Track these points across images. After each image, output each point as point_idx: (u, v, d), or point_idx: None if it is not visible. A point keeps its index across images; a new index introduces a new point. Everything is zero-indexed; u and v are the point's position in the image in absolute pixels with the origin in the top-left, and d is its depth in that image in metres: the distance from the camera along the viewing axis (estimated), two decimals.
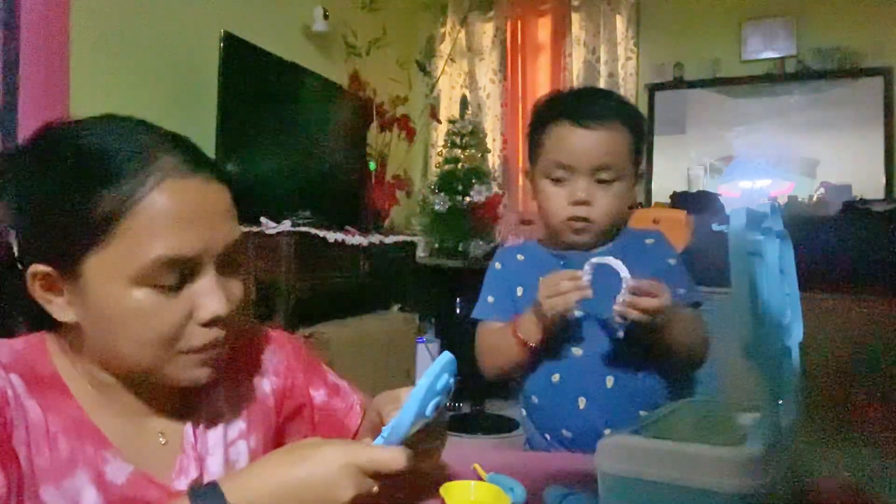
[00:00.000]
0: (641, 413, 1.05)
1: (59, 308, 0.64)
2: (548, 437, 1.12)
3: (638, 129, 1.12)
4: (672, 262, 1.14)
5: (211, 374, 0.68)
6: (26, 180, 0.64)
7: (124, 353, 0.64)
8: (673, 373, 1.11)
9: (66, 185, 0.61)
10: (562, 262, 1.14)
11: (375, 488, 0.59)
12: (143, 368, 0.65)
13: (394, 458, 0.58)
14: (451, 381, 0.63)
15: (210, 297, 0.64)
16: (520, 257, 1.21)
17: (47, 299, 0.64)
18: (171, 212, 0.61)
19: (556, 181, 1.10)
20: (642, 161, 1.16)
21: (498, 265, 1.22)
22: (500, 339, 1.12)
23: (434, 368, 0.62)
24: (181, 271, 0.63)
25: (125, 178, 0.60)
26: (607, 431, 1.01)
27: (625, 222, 1.17)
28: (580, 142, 1.08)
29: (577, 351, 1.09)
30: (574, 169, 1.08)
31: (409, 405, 0.60)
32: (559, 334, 1.08)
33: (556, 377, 1.09)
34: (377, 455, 0.58)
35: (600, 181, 1.08)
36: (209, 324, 0.64)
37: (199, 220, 0.63)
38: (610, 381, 1.07)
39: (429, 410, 0.61)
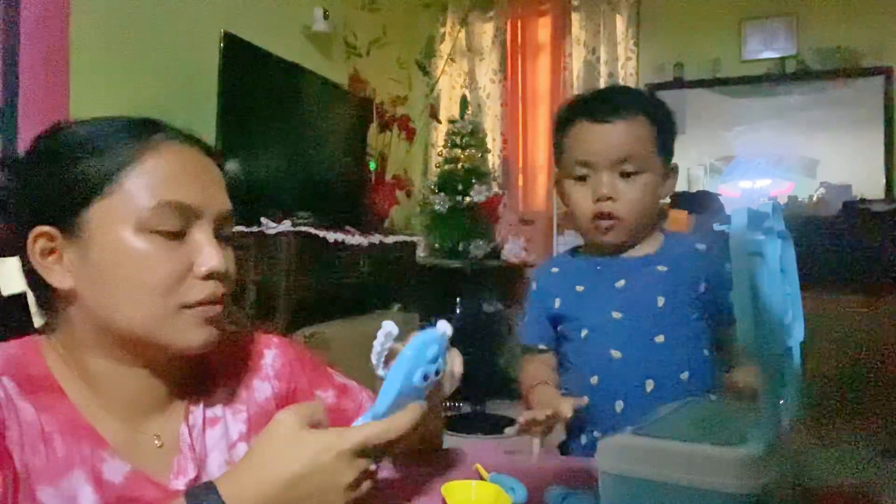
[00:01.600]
0: None
1: (57, 274, 0.66)
2: (583, 439, 1.10)
3: (662, 121, 1.10)
4: (727, 267, 1.10)
5: (209, 341, 0.68)
6: (34, 154, 0.69)
7: (123, 309, 0.64)
8: (717, 379, 1.09)
9: (69, 154, 0.66)
10: (598, 268, 1.13)
11: (373, 466, 0.60)
12: (141, 327, 0.65)
13: (381, 431, 0.59)
14: (443, 352, 0.63)
15: (209, 250, 0.67)
16: (554, 270, 1.20)
17: (45, 265, 0.66)
18: (172, 166, 0.67)
19: (580, 179, 1.09)
20: (672, 154, 1.13)
21: (534, 285, 1.21)
22: (526, 390, 1.14)
23: (420, 338, 0.62)
24: (182, 220, 0.66)
25: (131, 138, 0.66)
26: None
27: (656, 219, 1.13)
28: (598, 136, 1.07)
29: (616, 354, 1.07)
30: (595, 165, 1.07)
31: (392, 374, 0.60)
32: (598, 338, 1.08)
33: (594, 379, 1.07)
34: (364, 434, 0.59)
35: (624, 175, 1.06)
36: (208, 277, 0.66)
37: (199, 177, 0.69)
38: (650, 386, 1.05)
39: (416, 378, 0.61)
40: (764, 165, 3.70)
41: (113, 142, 0.66)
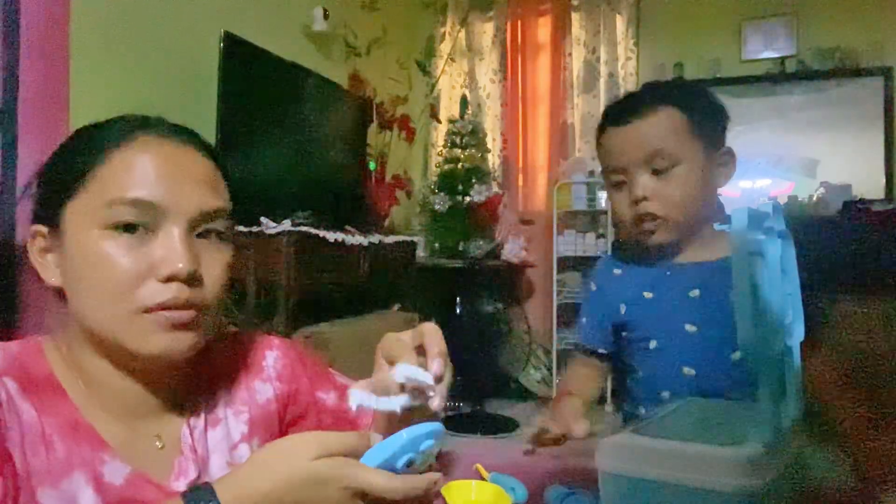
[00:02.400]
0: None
1: (49, 270, 0.67)
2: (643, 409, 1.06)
3: (694, 105, 1.04)
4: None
5: (175, 348, 0.65)
6: (46, 164, 0.70)
7: (92, 307, 0.64)
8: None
9: (62, 153, 0.68)
10: (668, 273, 1.07)
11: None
12: (104, 330, 0.64)
13: (391, 487, 0.56)
14: (434, 448, 0.61)
15: (172, 252, 0.64)
16: (617, 272, 1.15)
17: (40, 262, 0.67)
18: (140, 161, 0.65)
19: (616, 186, 1.06)
20: (722, 138, 1.07)
21: (594, 286, 1.17)
22: (560, 396, 1.09)
23: (423, 429, 0.60)
24: (144, 217, 0.64)
25: (105, 134, 0.66)
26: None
27: (711, 213, 1.05)
28: (622, 139, 1.04)
29: (689, 371, 1.02)
30: (626, 169, 1.03)
31: (374, 452, 0.57)
32: (669, 352, 1.04)
33: (665, 395, 1.03)
34: (374, 481, 0.56)
35: (656, 172, 1.01)
36: (168, 279, 0.63)
37: (171, 174, 0.66)
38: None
39: (399, 464, 0.59)
40: (764, 165, 3.70)
41: (90, 141, 0.66)
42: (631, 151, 1.02)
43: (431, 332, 0.64)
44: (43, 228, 0.66)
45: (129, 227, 0.63)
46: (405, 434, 0.59)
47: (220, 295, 0.68)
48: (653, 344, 1.05)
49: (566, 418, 0.93)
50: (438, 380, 0.62)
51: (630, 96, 1.13)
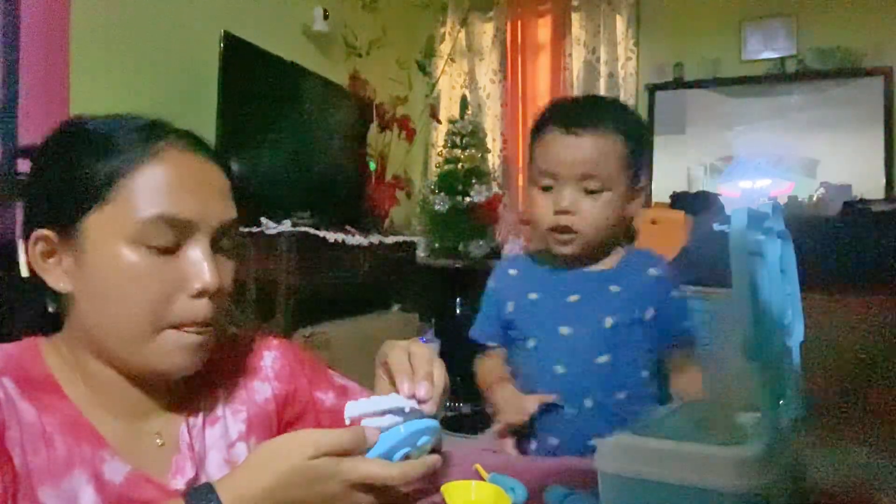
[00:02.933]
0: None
1: (56, 276, 0.65)
2: (534, 443, 1.12)
3: (635, 138, 1.08)
4: (675, 294, 1.12)
5: (194, 365, 0.67)
6: (42, 155, 0.68)
7: (113, 321, 0.64)
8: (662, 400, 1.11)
9: (74, 154, 0.65)
10: (554, 276, 1.14)
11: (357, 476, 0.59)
12: (125, 345, 0.64)
13: (389, 474, 0.58)
14: (430, 444, 0.63)
15: (202, 266, 0.65)
16: (512, 272, 1.21)
17: (45, 268, 0.65)
18: (170, 177, 0.64)
19: (544, 189, 1.09)
20: (643, 174, 1.12)
21: (492, 283, 1.22)
22: (481, 384, 1.17)
23: (422, 424, 0.61)
24: (176, 235, 0.64)
25: (130, 146, 0.64)
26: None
27: (620, 236, 1.14)
28: (567, 148, 1.05)
29: (559, 370, 1.09)
30: (560, 176, 1.06)
31: (374, 448, 0.59)
32: (544, 351, 1.10)
33: (539, 392, 1.09)
34: (340, 439, 0.58)
35: (588, 191, 1.05)
36: (199, 295, 0.64)
37: (197, 188, 0.66)
38: (589, 403, 1.07)
39: (395, 458, 0.60)
40: (764, 165, 3.70)
41: (113, 148, 0.64)
42: (571, 164, 1.05)
43: (418, 355, 0.68)
44: (48, 233, 0.65)
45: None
46: (403, 429, 0.60)
47: (227, 305, 0.69)
48: (531, 343, 1.12)
49: (514, 402, 1.05)
50: (422, 401, 0.64)
51: (583, 105, 1.16)
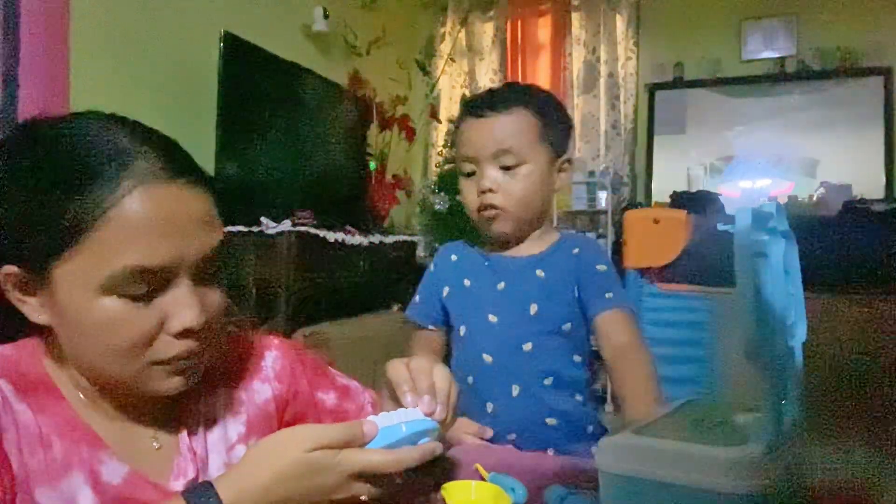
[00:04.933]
0: (548, 421, 1.06)
1: (33, 309, 0.63)
2: None
3: (547, 113, 1.12)
4: (600, 267, 1.12)
5: (187, 384, 0.66)
6: (1, 179, 0.62)
7: (94, 361, 0.63)
8: (586, 386, 1.12)
9: (39, 187, 0.59)
10: (486, 263, 1.16)
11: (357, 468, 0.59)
12: (114, 378, 0.64)
13: (383, 461, 0.59)
14: (427, 442, 0.64)
15: (182, 307, 0.61)
16: (453, 257, 1.23)
17: (21, 300, 0.62)
18: (142, 221, 0.59)
19: (467, 176, 1.13)
20: (565, 146, 1.15)
21: (432, 266, 1.25)
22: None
23: (420, 425, 0.62)
24: (152, 282, 0.60)
25: (97, 183, 0.58)
26: (511, 437, 1.05)
27: (545, 212, 1.16)
28: (477, 131, 1.10)
29: (487, 358, 1.09)
30: (477, 159, 1.10)
31: (373, 442, 0.60)
32: (474, 339, 1.11)
33: (470, 379, 1.10)
34: (366, 460, 0.59)
35: (504, 168, 1.09)
36: (181, 335, 0.62)
37: (172, 229, 0.60)
38: (515, 391, 1.07)
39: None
40: (764, 165, 3.70)
41: (80, 182, 0.58)
42: (483, 145, 1.09)
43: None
44: (17, 271, 0.61)
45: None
46: (405, 427, 0.60)
47: (220, 325, 0.68)
48: (463, 330, 1.14)
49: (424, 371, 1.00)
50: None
51: (490, 92, 1.20)
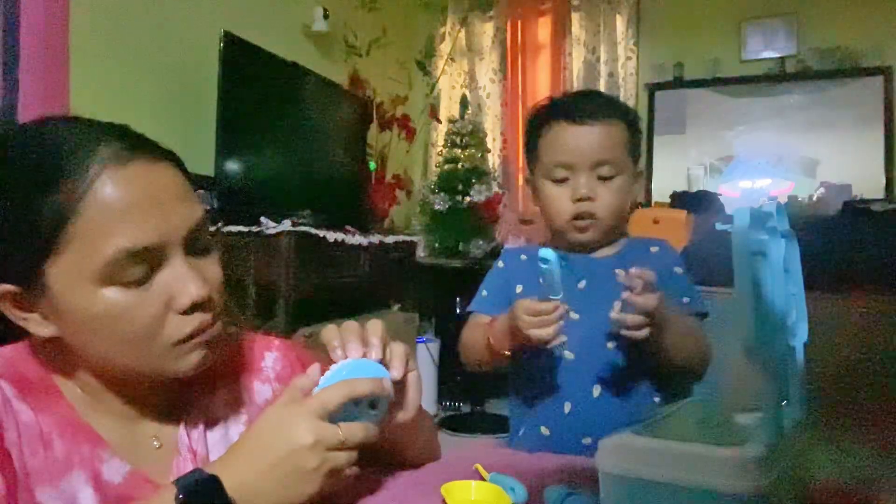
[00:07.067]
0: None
1: (37, 324, 0.62)
2: (522, 431, 1.12)
3: (634, 125, 1.14)
4: (678, 270, 1.13)
5: (211, 357, 0.66)
6: None
7: (111, 355, 0.63)
8: (667, 387, 1.10)
9: (11, 195, 0.59)
10: (564, 263, 1.13)
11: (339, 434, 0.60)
12: (135, 367, 0.64)
13: (337, 392, 0.61)
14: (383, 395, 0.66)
15: (183, 283, 0.61)
16: (523, 257, 1.22)
17: (22, 317, 0.62)
18: (117, 202, 0.58)
19: (559, 181, 1.11)
20: (640, 159, 1.17)
21: (501, 263, 1.23)
22: (479, 336, 1.12)
23: (358, 365, 0.65)
24: (146, 262, 0.60)
25: (66, 175, 0.58)
26: (587, 440, 1.02)
27: (626, 221, 1.18)
28: (579, 139, 1.09)
29: (569, 355, 1.08)
30: (574, 167, 1.09)
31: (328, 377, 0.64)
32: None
33: (547, 378, 1.09)
34: (301, 383, 0.63)
35: (601, 178, 1.09)
36: (190, 310, 0.62)
37: (150, 204, 0.60)
38: (596, 391, 1.06)
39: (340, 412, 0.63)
40: (764, 165, 3.70)
41: (50, 180, 0.58)
42: (586, 152, 1.09)
43: (347, 329, 0.69)
44: (12, 288, 0.60)
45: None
46: (344, 369, 0.64)
47: (223, 294, 0.68)
48: None
49: (536, 308, 0.97)
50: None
51: (584, 98, 1.19)
